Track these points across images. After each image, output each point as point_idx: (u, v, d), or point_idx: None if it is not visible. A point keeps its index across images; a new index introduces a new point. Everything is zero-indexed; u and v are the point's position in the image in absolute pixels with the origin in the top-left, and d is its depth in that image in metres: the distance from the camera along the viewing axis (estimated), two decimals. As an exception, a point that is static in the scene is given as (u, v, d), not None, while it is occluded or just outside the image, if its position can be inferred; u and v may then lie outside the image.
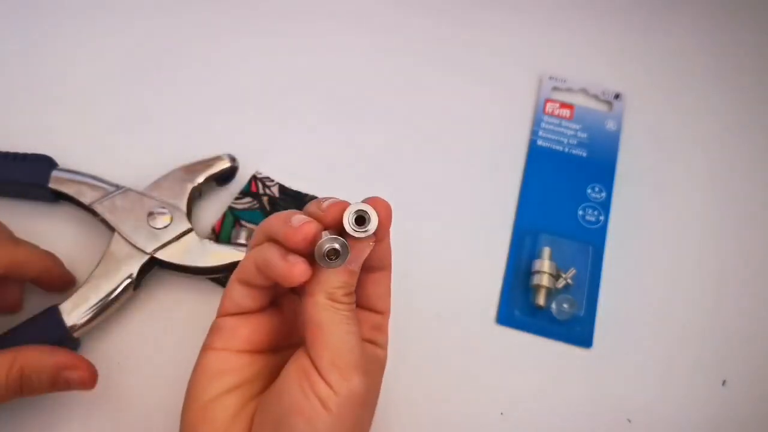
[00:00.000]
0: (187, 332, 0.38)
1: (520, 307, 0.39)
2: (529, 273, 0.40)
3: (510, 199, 0.43)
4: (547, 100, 0.47)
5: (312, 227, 0.26)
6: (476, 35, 0.51)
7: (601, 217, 0.42)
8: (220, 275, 0.39)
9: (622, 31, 0.52)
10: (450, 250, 0.41)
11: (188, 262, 0.38)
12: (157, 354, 0.37)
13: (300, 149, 0.45)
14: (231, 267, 0.38)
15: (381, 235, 0.28)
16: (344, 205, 0.27)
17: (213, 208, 0.42)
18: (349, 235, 0.26)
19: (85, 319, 0.35)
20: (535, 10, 0.52)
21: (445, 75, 0.49)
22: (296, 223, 0.26)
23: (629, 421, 0.36)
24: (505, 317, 0.39)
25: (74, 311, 0.35)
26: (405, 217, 0.42)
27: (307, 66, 0.48)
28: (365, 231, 0.26)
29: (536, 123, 0.46)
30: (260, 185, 0.42)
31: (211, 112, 0.46)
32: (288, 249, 0.27)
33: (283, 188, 0.42)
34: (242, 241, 0.40)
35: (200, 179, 0.40)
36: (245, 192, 0.42)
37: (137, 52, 0.48)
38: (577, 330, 0.39)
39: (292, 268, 0.26)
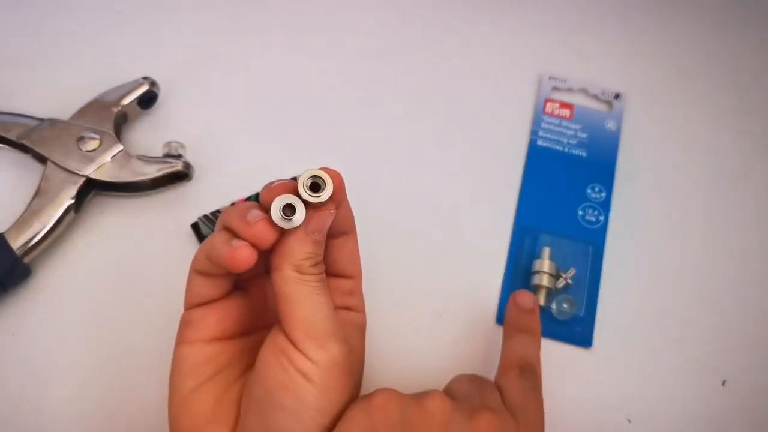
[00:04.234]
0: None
1: (520, 307, 0.39)
2: (529, 273, 0.40)
3: (510, 199, 0.43)
4: (547, 100, 0.47)
5: (265, 228, 0.26)
6: (476, 35, 0.51)
7: (601, 217, 0.42)
8: (158, 189, 0.41)
9: (622, 32, 0.52)
10: (450, 249, 0.41)
11: (124, 179, 0.39)
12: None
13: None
14: (166, 179, 0.40)
15: (338, 199, 0.28)
16: (286, 186, 0.27)
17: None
18: (306, 201, 0.26)
19: (31, 244, 0.36)
20: (535, 10, 0.52)
21: (445, 75, 0.49)
22: (252, 219, 0.26)
23: (629, 421, 0.36)
24: (505, 317, 0.39)
25: (19, 237, 0.36)
26: (404, 217, 0.42)
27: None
28: (320, 196, 0.26)
29: (536, 123, 0.46)
30: None
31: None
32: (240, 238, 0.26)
33: None
34: None
35: (123, 103, 0.42)
36: None
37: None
38: (577, 330, 0.39)
39: (235, 253, 0.26)
